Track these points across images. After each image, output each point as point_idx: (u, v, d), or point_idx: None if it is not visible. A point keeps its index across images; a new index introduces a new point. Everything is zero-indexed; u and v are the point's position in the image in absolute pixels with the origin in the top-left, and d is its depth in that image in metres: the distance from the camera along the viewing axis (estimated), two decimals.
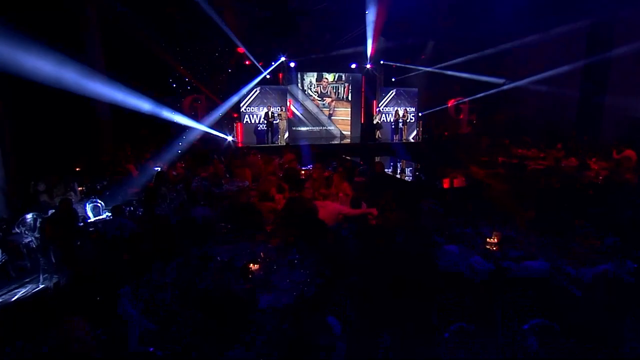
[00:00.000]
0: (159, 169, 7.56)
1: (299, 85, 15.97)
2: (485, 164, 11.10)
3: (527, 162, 10.93)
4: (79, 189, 7.01)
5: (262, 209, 5.31)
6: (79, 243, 4.49)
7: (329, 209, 4.65)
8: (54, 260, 4.97)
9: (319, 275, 3.39)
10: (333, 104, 16.44)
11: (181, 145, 10.76)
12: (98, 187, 7.13)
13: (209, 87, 14.33)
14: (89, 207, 5.74)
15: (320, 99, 16.27)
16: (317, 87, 16.19)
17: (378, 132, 15.44)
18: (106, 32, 11.47)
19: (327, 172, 8.77)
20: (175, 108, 13.47)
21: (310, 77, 16.05)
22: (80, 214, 5.70)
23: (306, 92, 16.11)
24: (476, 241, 4.03)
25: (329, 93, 16.33)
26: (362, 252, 3.40)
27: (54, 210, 5.22)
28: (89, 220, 5.63)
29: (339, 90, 16.44)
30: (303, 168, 9.31)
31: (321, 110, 16.34)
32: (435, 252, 3.36)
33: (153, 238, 3.95)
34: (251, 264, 3.53)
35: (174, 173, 8.06)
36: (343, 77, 16.30)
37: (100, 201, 5.95)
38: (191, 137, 11.92)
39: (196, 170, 8.94)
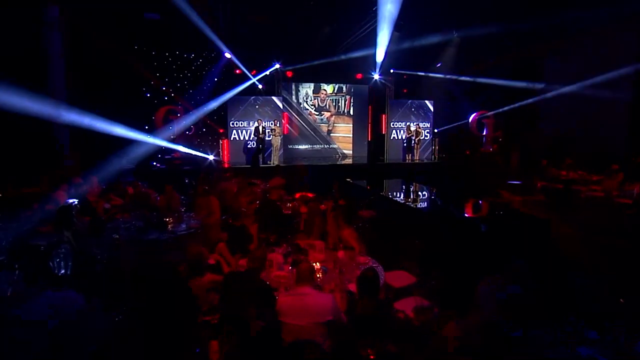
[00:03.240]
0: (75, 201, 5.06)
1: (294, 97, 13.85)
2: (519, 189, 9.20)
3: (574, 187, 8.82)
4: None
5: (194, 285, 2.94)
6: None
7: (311, 308, 2.15)
8: None
9: None
10: (332, 118, 14.24)
11: (130, 164, 8.35)
12: None
13: (188, 98, 12.23)
14: None
15: (317, 112, 14.10)
16: (314, 99, 14.04)
17: None
18: (68, 35, 9.48)
19: (325, 203, 6.37)
20: (147, 121, 11.45)
21: (307, 89, 13.93)
22: None
23: (301, 105, 13.95)
24: None
25: (327, 106, 14.17)
26: None
27: None
28: None
29: (339, 104, 14.27)
30: (292, 199, 6.87)
31: (319, 126, 14.15)
32: None
33: None
34: None
35: (106, 206, 5.71)
36: (344, 88, 14.16)
37: None
38: (147, 154, 9.60)
39: (146, 201, 6.64)
